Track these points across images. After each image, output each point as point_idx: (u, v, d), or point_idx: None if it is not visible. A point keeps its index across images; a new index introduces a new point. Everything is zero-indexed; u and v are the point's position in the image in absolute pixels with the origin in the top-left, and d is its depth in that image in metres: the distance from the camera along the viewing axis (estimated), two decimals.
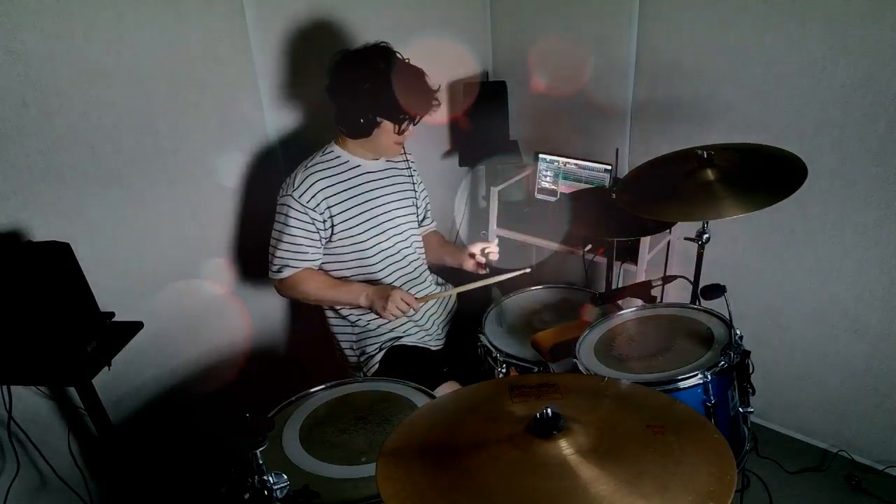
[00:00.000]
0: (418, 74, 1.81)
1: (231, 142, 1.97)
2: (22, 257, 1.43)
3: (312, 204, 1.80)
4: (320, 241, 1.86)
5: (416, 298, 1.83)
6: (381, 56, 1.76)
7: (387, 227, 1.96)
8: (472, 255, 2.00)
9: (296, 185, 1.80)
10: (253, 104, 2.00)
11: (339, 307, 1.97)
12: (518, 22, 2.69)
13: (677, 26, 2.25)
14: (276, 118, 2.07)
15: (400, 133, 1.82)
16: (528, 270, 1.88)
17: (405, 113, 1.78)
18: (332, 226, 1.85)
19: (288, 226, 1.81)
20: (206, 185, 1.94)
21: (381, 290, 1.84)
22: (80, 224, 1.63)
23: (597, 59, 2.50)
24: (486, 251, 1.97)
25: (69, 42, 1.53)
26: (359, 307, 1.89)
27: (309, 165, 1.84)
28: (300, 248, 1.83)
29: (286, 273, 1.84)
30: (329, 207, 1.83)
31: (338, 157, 1.88)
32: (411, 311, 1.86)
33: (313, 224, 1.82)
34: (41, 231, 1.55)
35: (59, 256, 1.40)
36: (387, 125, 1.80)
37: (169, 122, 1.78)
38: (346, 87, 1.76)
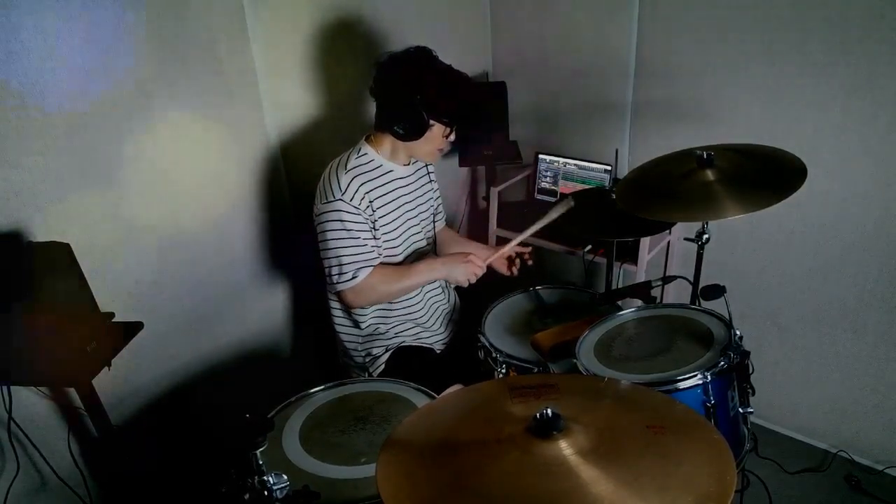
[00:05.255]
0: (467, 81, 1.81)
1: (231, 142, 1.97)
2: (22, 257, 1.43)
3: (363, 205, 1.80)
4: (374, 238, 1.86)
5: (485, 259, 1.89)
6: (433, 60, 1.77)
7: (414, 233, 1.99)
8: (511, 258, 2.04)
9: (343, 189, 1.77)
10: (253, 104, 2.00)
11: (356, 310, 1.94)
12: (518, 22, 2.69)
13: (677, 26, 2.25)
14: (276, 118, 2.07)
15: (446, 137, 1.83)
16: (571, 204, 1.89)
17: (457, 118, 1.79)
18: (374, 229, 1.85)
19: (347, 229, 1.78)
20: (206, 186, 1.93)
21: (455, 256, 1.90)
22: (80, 224, 1.63)
23: (597, 59, 2.49)
24: (524, 256, 2.04)
25: (69, 42, 1.53)
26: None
27: (349, 168, 1.81)
28: (366, 246, 1.81)
29: (362, 276, 1.80)
30: (373, 211, 1.83)
31: (372, 160, 1.86)
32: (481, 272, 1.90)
33: (367, 223, 1.82)
34: (41, 231, 1.55)
35: (59, 256, 1.40)
36: (437, 129, 1.79)
37: (168, 121, 1.78)
38: (403, 89, 1.74)
